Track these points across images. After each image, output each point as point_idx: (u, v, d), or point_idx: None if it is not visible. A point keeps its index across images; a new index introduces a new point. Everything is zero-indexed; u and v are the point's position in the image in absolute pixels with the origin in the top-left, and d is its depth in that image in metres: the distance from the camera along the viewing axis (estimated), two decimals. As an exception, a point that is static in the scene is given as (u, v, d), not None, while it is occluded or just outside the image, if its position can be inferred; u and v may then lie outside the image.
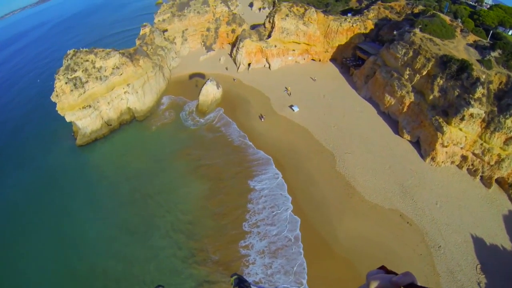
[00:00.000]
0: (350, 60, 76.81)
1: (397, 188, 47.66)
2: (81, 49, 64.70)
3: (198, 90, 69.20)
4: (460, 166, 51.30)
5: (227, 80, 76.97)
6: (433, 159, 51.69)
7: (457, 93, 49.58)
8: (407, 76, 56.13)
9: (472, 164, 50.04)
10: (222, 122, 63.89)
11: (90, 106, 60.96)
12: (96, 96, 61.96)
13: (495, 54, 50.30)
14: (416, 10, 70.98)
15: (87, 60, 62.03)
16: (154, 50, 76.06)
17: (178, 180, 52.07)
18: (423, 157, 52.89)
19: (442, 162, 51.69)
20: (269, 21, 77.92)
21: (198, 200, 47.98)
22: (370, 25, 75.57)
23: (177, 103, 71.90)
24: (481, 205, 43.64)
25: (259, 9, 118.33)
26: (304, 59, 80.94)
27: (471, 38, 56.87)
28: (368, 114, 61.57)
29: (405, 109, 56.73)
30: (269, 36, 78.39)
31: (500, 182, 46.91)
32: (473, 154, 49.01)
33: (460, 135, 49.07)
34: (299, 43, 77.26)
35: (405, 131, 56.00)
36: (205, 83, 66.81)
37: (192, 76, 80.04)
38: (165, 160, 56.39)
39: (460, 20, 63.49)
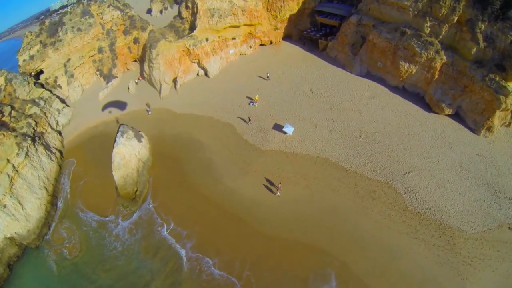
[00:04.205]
0: (312, 31, 56.72)
1: (485, 192, 31.21)
2: None
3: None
4: (508, 124, 37.31)
5: (152, 115, 50.21)
6: (489, 129, 36.50)
7: (510, 38, 33.64)
8: (429, 29, 38.24)
9: None
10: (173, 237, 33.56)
11: None
12: None
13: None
14: None
15: None
16: (21, 110, 44.78)
17: None
18: (474, 130, 37.39)
19: (496, 129, 36.90)
20: (187, 6, 52.17)
21: None
22: (321, -22, 55.77)
23: (84, 195, 41.31)
24: None
25: (161, 11, 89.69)
26: (250, 47, 58.30)
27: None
28: (382, 97, 43.12)
29: (436, 76, 39.37)
30: (192, 28, 53.13)
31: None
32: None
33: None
34: (238, 26, 54.13)
35: (444, 105, 39.10)
36: (114, 141, 39.57)
37: (96, 128, 50.75)
38: None
39: None
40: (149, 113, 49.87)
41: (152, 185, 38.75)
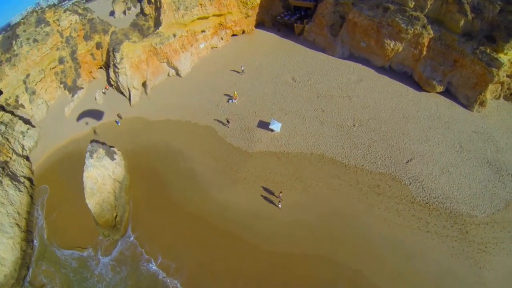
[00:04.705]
0: (285, 15, 52.73)
1: (488, 171, 29.68)
2: None
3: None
4: (497, 97, 36.33)
5: (124, 126, 44.55)
6: (481, 104, 35.09)
7: (498, 8, 32.16)
8: (413, 3, 35.48)
9: (508, 88, 35.62)
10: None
11: None
12: None
13: None
14: None
15: None
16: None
17: None
18: (466, 106, 35.84)
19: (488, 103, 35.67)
20: (149, 1, 46.49)
21: None
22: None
23: (60, 229, 35.42)
24: None
25: (124, 12, 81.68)
26: (222, 38, 53.56)
27: None
28: (370, 80, 40.44)
29: (424, 52, 37.00)
30: (158, 24, 47.67)
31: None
32: (508, 76, 34.51)
33: (506, 60, 32.72)
34: (207, 18, 49.23)
35: (434, 82, 37.13)
36: (84, 164, 34.36)
37: (66, 147, 44.54)
38: None
39: None
40: (119, 124, 44.29)
41: (133, 208, 33.94)
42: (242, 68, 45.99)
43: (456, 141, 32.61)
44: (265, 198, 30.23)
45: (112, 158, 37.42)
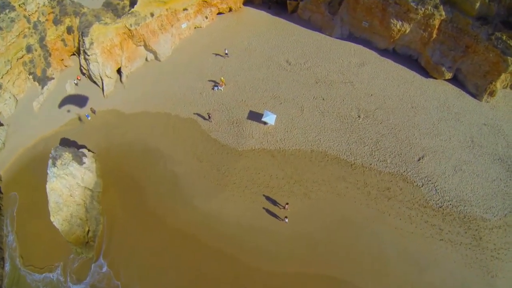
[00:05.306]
0: (277, -10, 46.83)
1: (500, 168, 27.38)
2: None
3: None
4: (505, 86, 33.56)
5: (97, 120, 38.79)
6: (491, 93, 32.40)
7: None
8: (426, -21, 31.05)
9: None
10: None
11: None
12: None
13: None
14: None
15: None
16: None
17: None
18: (475, 96, 33.01)
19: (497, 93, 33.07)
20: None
21: None
22: None
23: (31, 248, 30.72)
24: None
25: None
26: (206, 17, 47.31)
27: None
28: (373, 63, 36.45)
29: (434, 35, 33.07)
30: (134, 3, 41.15)
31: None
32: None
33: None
34: (190, -6, 42.70)
35: (444, 68, 33.73)
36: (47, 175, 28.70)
37: (35, 148, 38.28)
38: None
39: None
40: (89, 118, 38.86)
41: (107, 221, 29.18)
42: (226, 52, 40.34)
43: (467, 135, 29.88)
44: (265, 208, 25.93)
45: (81, 162, 32.04)
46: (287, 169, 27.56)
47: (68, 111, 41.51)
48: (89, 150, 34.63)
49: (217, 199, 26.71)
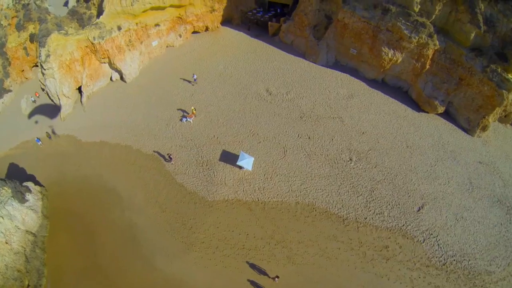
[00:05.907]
0: (258, 11, 44.29)
1: (499, 212, 25.18)
2: None
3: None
4: (494, 120, 32.08)
5: (50, 147, 33.48)
6: (483, 128, 30.89)
7: None
8: (419, 6, 28.86)
9: (504, 110, 31.61)
10: None
11: None
12: None
13: None
14: None
15: None
16: None
17: None
18: (467, 131, 31.29)
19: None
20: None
21: None
22: None
23: None
24: None
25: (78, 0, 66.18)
26: (180, 36, 43.68)
27: None
28: (362, 95, 33.80)
29: (427, 66, 30.95)
30: (100, 13, 36.94)
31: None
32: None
33: None
34: (163, 8, 39.30)
35: (436, 102, 31.70)
36: None
37: None
38: None
39: None
40: (40, 144, 33.60)
41: (52, 274, 23.77)
42: (195, 77, 36.36)
43: (465, 176, 27.59)
44: (244, 278, 21.36)
45: (23, 200, 26.76)
46: (267, 227, 23.19)
47: (36, 122, 37.13)
48: (36, 184, 29.23)
49: (182, 261, 21.98)
